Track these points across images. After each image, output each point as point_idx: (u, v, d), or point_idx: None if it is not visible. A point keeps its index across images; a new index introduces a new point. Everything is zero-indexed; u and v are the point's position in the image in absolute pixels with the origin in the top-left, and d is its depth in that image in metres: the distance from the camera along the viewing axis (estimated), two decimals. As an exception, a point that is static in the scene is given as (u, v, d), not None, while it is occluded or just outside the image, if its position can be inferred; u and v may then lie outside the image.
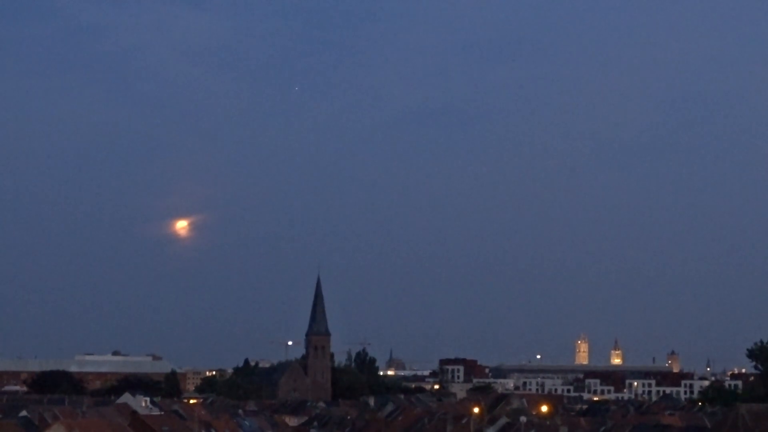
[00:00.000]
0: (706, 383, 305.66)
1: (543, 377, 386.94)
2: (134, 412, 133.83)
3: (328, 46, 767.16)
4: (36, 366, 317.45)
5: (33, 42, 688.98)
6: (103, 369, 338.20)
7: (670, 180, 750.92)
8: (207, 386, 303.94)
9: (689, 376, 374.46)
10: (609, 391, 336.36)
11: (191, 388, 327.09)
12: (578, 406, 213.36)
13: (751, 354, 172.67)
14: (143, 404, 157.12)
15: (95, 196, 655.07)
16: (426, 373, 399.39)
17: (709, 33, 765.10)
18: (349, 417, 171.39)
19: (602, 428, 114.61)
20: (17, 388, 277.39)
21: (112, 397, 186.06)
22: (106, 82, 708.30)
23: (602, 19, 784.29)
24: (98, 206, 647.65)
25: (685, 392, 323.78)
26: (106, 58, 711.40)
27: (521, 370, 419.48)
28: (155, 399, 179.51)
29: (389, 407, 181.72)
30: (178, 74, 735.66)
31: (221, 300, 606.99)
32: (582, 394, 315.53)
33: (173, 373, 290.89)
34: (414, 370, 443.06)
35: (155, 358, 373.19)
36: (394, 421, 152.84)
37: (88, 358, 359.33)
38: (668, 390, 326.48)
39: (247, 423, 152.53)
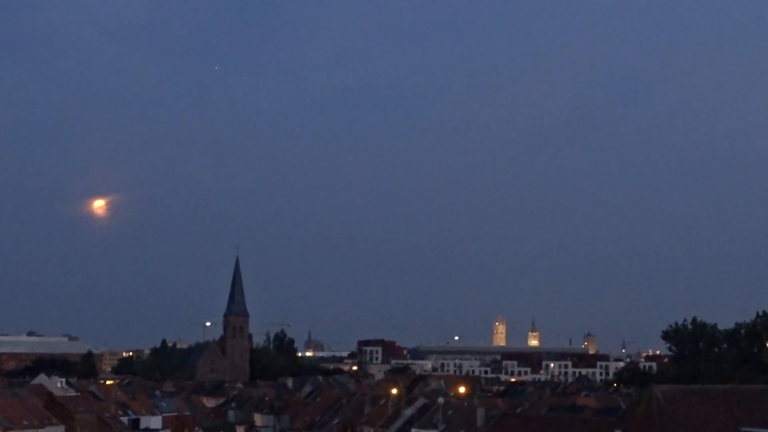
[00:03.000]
0: (622, 365, 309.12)
1: (461, 359, 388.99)
2: (50, 394, 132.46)
3: (249, 25, 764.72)
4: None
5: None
6: (18, 350, 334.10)
7: (590, 162, 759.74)
8: (124, 367, 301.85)
9: (605, 357, 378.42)
10: (526, 373, 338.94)
11: (108, 369, 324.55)
12: (495, 388, 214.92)
13: (666, 336, 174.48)
14: (59, 385, 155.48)
15: (10, 174, 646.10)
16: (344, 354, 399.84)
17: (634, 13, 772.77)
18: (267, 398, 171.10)
19: (519, 409, 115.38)
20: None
21: (27, 378, 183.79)
22: (23, 59, 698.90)
23: None
24: (14, 184, 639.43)
25: (601, 374, 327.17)
26: (24, 35, 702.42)
27: (439, 352, 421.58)
28: (71, 380, 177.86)
29: (308, 388, 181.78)
30: (96, 52, 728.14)
31: (138, 280, 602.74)
32: (499, 375, 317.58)
33: (89, 354, 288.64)
34: (332, 351, 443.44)
35: (71, 338, 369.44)
36: (312, 402, 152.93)
37: (2, 338, 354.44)
38: (584, 371, 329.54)
39: (164, 404, 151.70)
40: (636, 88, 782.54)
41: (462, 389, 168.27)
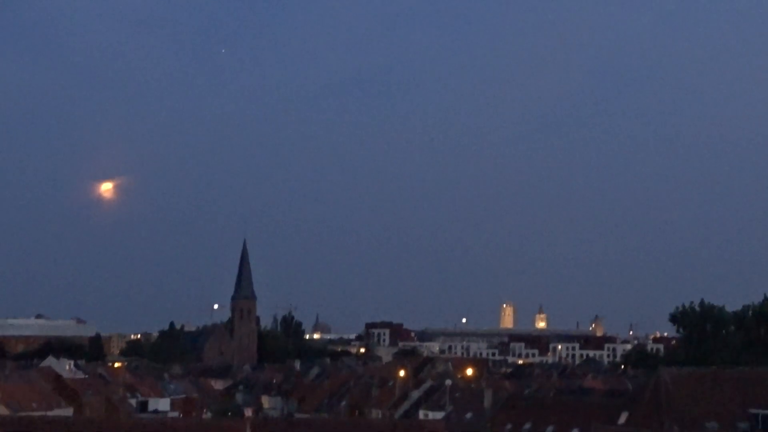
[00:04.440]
0: (629, 347, 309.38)
1: (468, 341, 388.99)
2: (58, 376, 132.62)
3: (256, 8, 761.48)
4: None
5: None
6: (26, 333, 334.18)
7: (596, 146, 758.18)
8: (132, 350, 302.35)
9: (612, 340, 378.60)
10: (533, 355, 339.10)
11: (116, 351, 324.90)
12: (503, 370, 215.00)
13: (674, 318, 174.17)
14: (67, 368, 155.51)
15: (18, 158, 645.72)
16: (352, 336, 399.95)
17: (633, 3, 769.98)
18: (274, 381, 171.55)
19: (526, 391, 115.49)
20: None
21: (35, 361, 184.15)
22: (29, 44, 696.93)
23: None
24: (22, 168, 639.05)
25: (608, 356, 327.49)
26: (30, 21, 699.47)
27: (447, 334, 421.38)
28: (79, 363, 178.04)
29: (315, 371, 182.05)
30: (102, 36, 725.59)
31: (146, 263, 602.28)
32: (507, 357, 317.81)
33: (97, 337, 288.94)
34: (340, 333, 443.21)
35: (79, 321, 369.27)
36: (320, 384, 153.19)
37: (10, 321, 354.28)
38: (591, 354, 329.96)
39: (172, 387, 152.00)
40: (639, 75, 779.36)
41: (469, 371, 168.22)
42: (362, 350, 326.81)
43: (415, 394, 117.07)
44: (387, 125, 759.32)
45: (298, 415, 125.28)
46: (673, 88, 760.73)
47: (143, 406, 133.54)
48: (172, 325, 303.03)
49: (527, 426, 77.76)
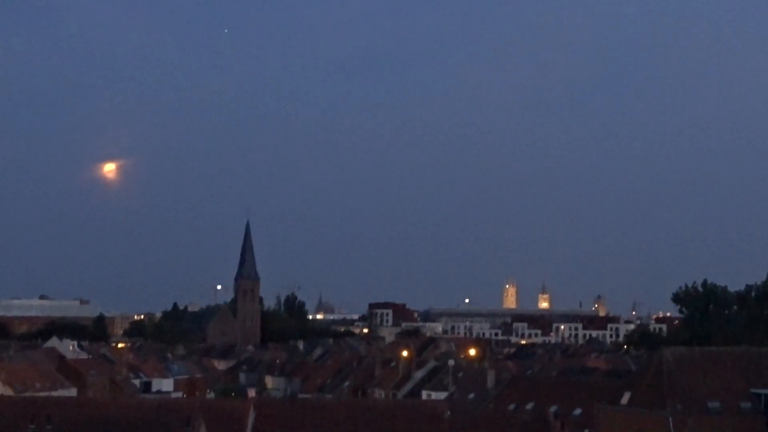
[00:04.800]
0: (632, 327, 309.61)
1: (471, 321, 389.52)
2: (62, 357, 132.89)
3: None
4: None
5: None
6: (30, 313, 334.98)
7: (597, 125, 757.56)
8: (135, 330, 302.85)
9: (615, 320, 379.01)
10: (536, 335, 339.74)
11: (119, 332, 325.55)
12: (506, 350, 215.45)
13: (676, 298, 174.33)
14: (71, 348, 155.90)
15: (21, 139, 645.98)
16: (355, 317, 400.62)
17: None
18: (278, 361, 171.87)
19: (529, 371, 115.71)
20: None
21: (39, 342, 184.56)
22: (30, 23, 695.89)
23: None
24: (24, 149, 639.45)
25: (611, 336, 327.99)
26: (31, 1, 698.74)
27: (450, 315, 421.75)
28: (83, 343, 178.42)
29: (318, 351, 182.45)
30: (104, 15, 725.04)
31: (150, 244, 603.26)
32: (509, 337, 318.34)
33: (101, 318, 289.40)
34: (343, 314, 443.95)
35: (83, 302, 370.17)
36: (323, 364, 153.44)
37: (14, 302, 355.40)
38: (594, 334, 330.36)
39: (175, 367, 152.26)
40: (643, 52, 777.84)
41: (472, 352, 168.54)
42: (365, 331, 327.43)
43: (418, 375, 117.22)
44: (390, 106, 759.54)
45: (301, 395, 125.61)
46: (674, 66, 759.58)
47: (147, 387, 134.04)
48: (175, 305, 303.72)
49: (530, 406, 77.83)
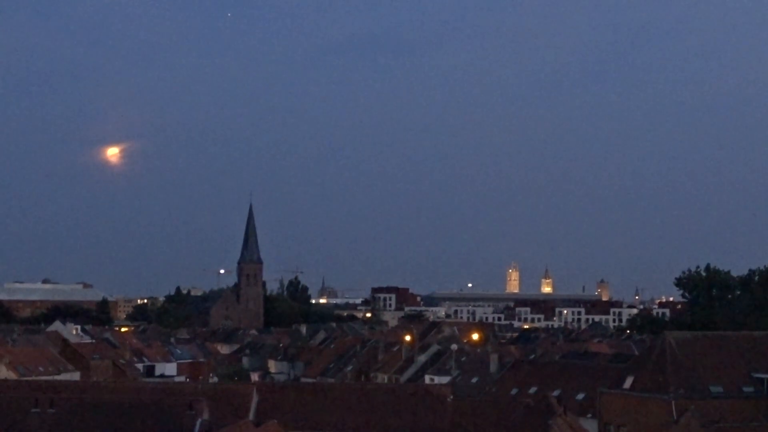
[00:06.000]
0: (635, 311, 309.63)
1: (474, 305, 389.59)
2: (65, 341, 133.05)
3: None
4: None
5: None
6: (33, 297, 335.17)
7: (602, 108, 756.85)
8: (138, 314, 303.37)
9: (618, 304, 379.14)
10: (539, 320, 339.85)
11: (122, 316, 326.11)
12: (509, 334, 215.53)
13: (679, 283, 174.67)
14: (74, 332, 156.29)
15: (25, 122, 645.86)
16: (358, 301, 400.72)
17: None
18: (281, 345, 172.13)
19: (532, 356, 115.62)
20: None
21: (43, 326, 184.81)
22: (34, 5, 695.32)
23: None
24: (28, 131, 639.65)
25: (614, 320, 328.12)
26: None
27: (452, 299, 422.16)
28: (86, 327, 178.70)
29: (321, 335, 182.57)
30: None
31: (153, 227, 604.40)
32: (512, 322, 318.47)
33: (104, 301, 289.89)
34: (346, 298, 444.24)
35: (86, 286, 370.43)
36: (326, 349, 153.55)
37: (17, 286, 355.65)
38: (597, 318, 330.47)
39: (178, 351, 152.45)
40: (646, 31, 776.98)
41: (475, 336, 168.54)
42: (368, 315, 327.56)
43: (421, 359, 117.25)
44: (394, 85, 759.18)
45: (304, 379, 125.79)
46: (684, 42, 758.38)
47: (150, 371, 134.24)
48: (178, 289, 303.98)
49: (533, 390, 77.83)
